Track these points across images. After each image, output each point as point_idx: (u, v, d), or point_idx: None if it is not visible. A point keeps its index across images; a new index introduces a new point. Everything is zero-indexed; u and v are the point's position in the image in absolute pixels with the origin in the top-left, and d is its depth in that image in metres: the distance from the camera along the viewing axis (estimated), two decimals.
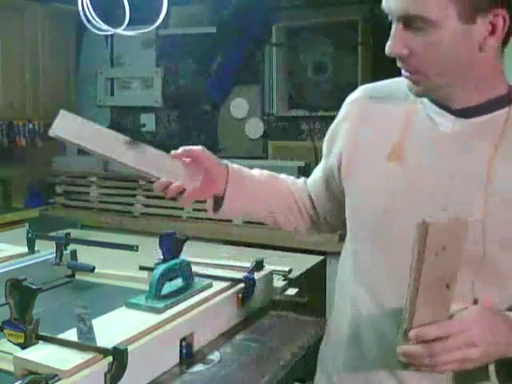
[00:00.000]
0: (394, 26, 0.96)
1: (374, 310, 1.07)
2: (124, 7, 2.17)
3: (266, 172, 1.38)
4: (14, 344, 1.14)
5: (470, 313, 0.90)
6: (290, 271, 1.98)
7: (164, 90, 4.49)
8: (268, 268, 1.69)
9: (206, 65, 4.32)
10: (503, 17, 0.90)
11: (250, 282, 1.52)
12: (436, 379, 0.97)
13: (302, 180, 1.39)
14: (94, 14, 2.16)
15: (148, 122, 4.60)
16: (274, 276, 1.76)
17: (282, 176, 1.40)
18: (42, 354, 1.08)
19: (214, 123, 4.34)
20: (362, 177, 1.10)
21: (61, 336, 1.14)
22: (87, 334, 1.11)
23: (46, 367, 1.03)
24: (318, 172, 1.32)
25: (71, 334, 1.13)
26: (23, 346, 1.12)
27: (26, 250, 1.88)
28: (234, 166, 1.33)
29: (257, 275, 1.58)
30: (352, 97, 1.18)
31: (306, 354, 1.36)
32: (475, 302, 0.95)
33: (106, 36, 4.50)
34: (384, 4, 0.97)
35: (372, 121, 1.11)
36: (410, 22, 0.93)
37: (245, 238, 3.36)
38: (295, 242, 3.13)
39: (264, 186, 1.33)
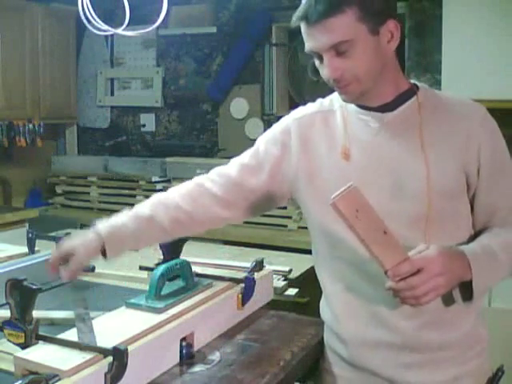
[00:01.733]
0: (324, 58, 1.20)
1: (358, 265, 1.29)
2: (124, 7, 2.17)
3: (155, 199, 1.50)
4: (14, 344, 1.14)
5: (432, 250, 1.15)
6: (290, 271, 1.98)
7: (164, 90, 4.49)
8: (268, 268, 1.69)
9: (206, 65, 4.33)
10: (395, 24, 1.21)
11: (250, 282, 1.52)
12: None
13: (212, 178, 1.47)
14: (93, 14, 2.15)
15: (148, 122, 4.60)
16: (274, 276, 1.76)
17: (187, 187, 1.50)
18: (42, 354, 1.08)
19: (213, 123, 4.34)
20: (322, 179, 1.31)
21: (61, 336, 1.14)
22: (87, 334, 1.11)
23: (46, 367, 1.03)
24: (250, 167, 1.43)
25: (71, 334, 1.13)
26: (23, 346, 1.12)
27: (26, 249, 1.88)
28: (106, 232, 1.39)
29: (257, 275, 1.58)
30: (290, 117, 1.41)
31: (306, 354, 1.36)
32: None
33: (106, 36, 4.50)
34: (310, 46, 1.21)
35: (317, 132, 1.35)
36: (336, 48, 1.18)
37: (245, 238, 3.36)
38: (295, 242, 3.13)
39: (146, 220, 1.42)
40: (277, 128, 1.42)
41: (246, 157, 1.45)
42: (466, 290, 1.22)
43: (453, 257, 1.18)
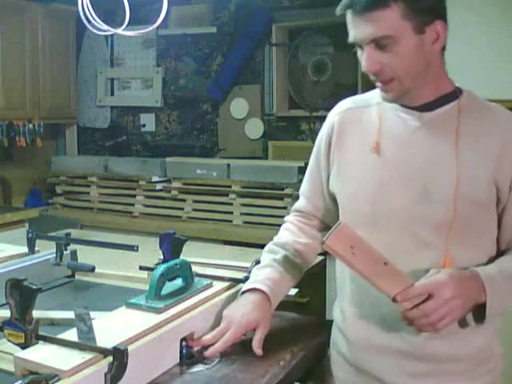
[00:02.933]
0: (364, 50, 1.20)
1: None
2: (124, 7, 2.17)
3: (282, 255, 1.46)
4: (14, 344, 1.14)
5: (442, 274, 1.16)
6: None
7: (164, 90, 4.49)
8: None
9: (206, 65, 4.33)
10: (442, 25, 1.19)
11: None
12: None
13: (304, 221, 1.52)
14: (94, 14, 2.15)
15: (148, 122, 4.60)
16: None
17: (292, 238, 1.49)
18: (42, 354, 1.08)
19: (213, 123, 4.34)
20: (352, 173, 1.32)
21: (61, 336, 1.14)
22: (87, 333, 1.11)
23: (46, 367, 1.03)
24: (312, 189, 1.49)
25: (71, 334, 1.13)
26: (23, 346, 1.12)
27: (25, 249, 1.88)
28: (271, 291, 1.37)
29: None
30: (334, 111, 1.42)
31: (305, 354, 1.36)
32: (447, 256, 1.21)
33: (106, 36, 4.50)
34: (353, 36, 1.21)
35: (354, 126, 1.35)
36: (377, 42, 1.17)
37: (245, 238, 3.36)
38: None
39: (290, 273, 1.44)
40: (324, 124, 1.43)
41: (310, 164, 1.49)
42: (480, 312, 1.21)
43: (465, 279, 1.17)
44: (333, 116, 1.41)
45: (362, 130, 1.33)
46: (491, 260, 1.27)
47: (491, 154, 1.22)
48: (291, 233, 1.49)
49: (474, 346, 1.27)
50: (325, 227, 1.46)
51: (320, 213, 1.47)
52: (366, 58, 1.20)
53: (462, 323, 1.24)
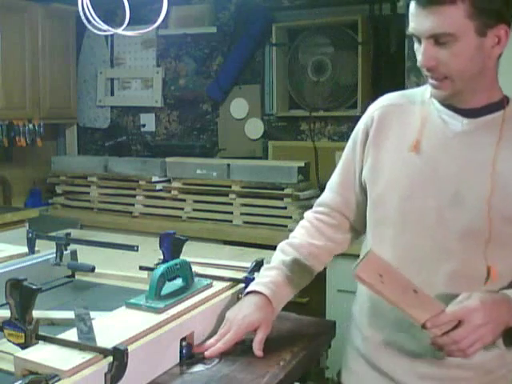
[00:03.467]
0: (422, 44, 1.17)
1: None
2: (124, 7, 2.16)
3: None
4: (14, 344, 1.14)
5: (473, 300, 1.14)
6: None
7: (164, 90, 4.49)
8: None
9: (205, 65, 4.33)
10: (506, 30, 1.15)
11: (249, 282, 1.52)
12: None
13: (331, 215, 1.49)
14: (94, 14, 2.15)
15: (148, 122, 4.60)
16: None
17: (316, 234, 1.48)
18: (42, 354, 1.08)
19: (213, 123, 4.34)
20: (386, 168, 1.30)
21: (61, 336, 1.14)
22: (87, 334, 1.11)
23: (46, 367, 1.03)
24: (343, 182, 1.45)
25: (71, 334, 1.13)
26: (23, 346, 1.12)
27: (25, 249, 1.88)
28: (273, 294, 1.37)
29: (257, 275, 1.58)
30: (376, 105, 1.39)
31: (305, 354, 1.36)
32: (488, 269, 1.20)
33: (106, 36, 4.50)
34: (413, 27, 1.18)
35: (394, 122, 1.32)
36: (437, 38, 1.14)
37: (245, 237, 3.36)
38: None
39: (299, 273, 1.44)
40: (363, 117, 1.41)
41: (343, 157, 1.46)
42: (509, 334, 1.20)
43: (496, 304, 1.16)
44: (373, 110, 1.38)
45: (402, 128, 1.31)
46: None
47: None
48: (307, 233, 1.47)
49: (486, 356, 1.25)
50: (347, 228, 1.46)
51: (347, 208, 1.44)
52: (422, 53, 1.17)
53: (489, 347, 1.21)
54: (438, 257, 1.24)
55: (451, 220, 1.22)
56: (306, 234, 1.46)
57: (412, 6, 1.17)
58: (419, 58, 1.18)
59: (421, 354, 1.28)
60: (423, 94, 1.31)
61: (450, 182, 1.22)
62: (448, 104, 1.25)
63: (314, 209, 1.52)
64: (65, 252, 1.81)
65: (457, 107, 1.24)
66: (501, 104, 1.23)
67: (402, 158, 1.28)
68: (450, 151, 1.24)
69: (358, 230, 1.47)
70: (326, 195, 1.49)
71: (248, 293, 1.37)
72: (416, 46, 1.21)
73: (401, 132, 1.31)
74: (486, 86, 1.22)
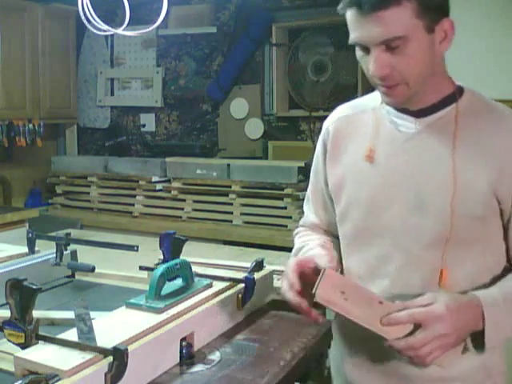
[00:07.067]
0: (372, 53, 1.09)
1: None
2: (124, 7, 2.17)
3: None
4: (14, 344, 1.14)
5: (439, 306, 1.05)
6: None
7: (164, 90, 4.49)
8: (268, 268, 1.69)
9: (205, 65, 4.33)
10: (450, 23, 1.10)
11: (250, 282, 1.52)
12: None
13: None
14: (94, 14, 2.15)
15: (148, 122, 4.60)
16: (274, 276, 1.75)
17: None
18: (42, 354, 1.08)
19: (213, 123, 4.34)
20: (346, 183, 1.26)
21: (61, 336, 1.14)
22: (87, 333, 1.11)
23: (46, 367, 1.03)
24: (314, 201, 1.41)
25: (71, 334, 1.13)
26: (23, 346, 1.12)
27: (26, 249, 1.88)
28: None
29: (257, 275, 1.58)
30: (331, 118, 1.34)
31: (306, 354, 1.36)
32: (441, 273, 1.13)
33: (106, 36, 4.50)
34: (357, 37, 1.10)
35: (347, 134, 1.28)
36: (387, 43, 1.07)
37: (245, 238, 3.36)
38: None
39: None
40: (321, 134, 1.36)
41: (310, 177, 1.42)
42: (480, 338, 1.10)
43: (463, 310, 1.07)
44: (328, 125, 1.34)
45: (356, 138, 1.26)
46: (496, 277, 1.17)
47: (492, 162, 1.11)
48: (306, 234, 1.42)
49: (466, 367, 1.17)
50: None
51: (325, 225, 1.40)
52: (374, 61, 1.09)
53: (458, 348, 1.13)
54: (410, 267, 1.16)
55: (416, 227, 1.15)
56: (305, 236, 1.41)
57: (351, 14, 1.09)
58: (370, 67, 1.10)
59: (392, 372, 1.21)
60: (374, 99, 1.25)
61: (409, 189, 1.16)
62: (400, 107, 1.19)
63: (299, 228, 1.48)
64: (65, 252, 1.81)
65: (408, 109, 1.18)
66: (453, 97, 1.17)
67: (359, 171, 1.23)
68: (406, 155, 1.17)
69: None
70: (305, 217, 1.46)
71: None
72: (360, 54, 1.13)
73: (355, 143, 1.25)
74: (436, 83, 1.16)
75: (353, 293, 1.07)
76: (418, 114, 1.17)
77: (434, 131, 1.16)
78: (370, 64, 1.10)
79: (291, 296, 1.16)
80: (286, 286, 1.17)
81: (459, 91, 1.18)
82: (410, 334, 1.05)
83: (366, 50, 1.11)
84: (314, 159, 1.38)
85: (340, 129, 1.30)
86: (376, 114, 1.24)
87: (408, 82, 1.10)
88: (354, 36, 1.11)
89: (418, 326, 1.05)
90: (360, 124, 1.27)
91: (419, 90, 1.13)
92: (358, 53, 1.14)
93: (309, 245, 1.35)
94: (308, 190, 1.44)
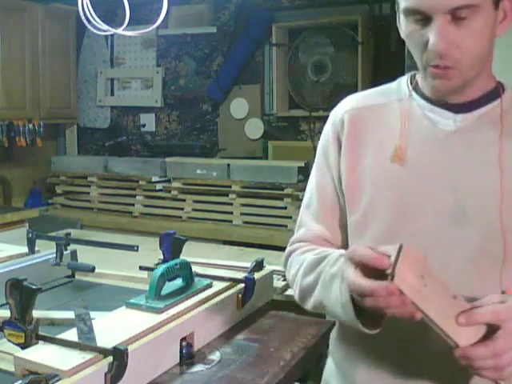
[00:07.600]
0: (436, 23, 0.92)
1: None
2: (124, 7, 2.17)
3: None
4: (14, 344, 1.14)
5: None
6: None
7: (164, 90, 4.49)
8: (268, 268, 1.69)
9: (205, 65, 4.33)
10: (510, 5, 0.96)
11: (250, 282, 1.52)
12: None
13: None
14: (94, 14, 2.15)
15: (148, 122, 4.60)
16: (274, 276, 1.76)
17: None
18: (42, 354, 1.08)
19: (213, 123, 4.34)
20: (366, 188, 1.06)
21: (61, 336, 1.14)
22: (87, 333, 1.11)
23: (46, 367, 1.03)
24: (323, 208, 1.17)
25: (71, 334, 1.13)
26: (23, 346, 1.12)
27: (26, 249, 1.88)
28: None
29: (257, 275, 1.58)
30: (342, 108, 1.14)
31: (306, 354, 1.36)
32: (502, 293, 0.94)
33: (106, 36, 4.50)
34: (419, 2, 0.92)
35: (368, 128, 1.09)
36: (455, 13, 0.91)
37: (245, 238, 3.37)
38: None
39: None
40: (327, 127, 1.16)
41: (312, 180, 1.19)
42: None
43: None
44: (341, 113, 1.12)
45: (379, 133, 1.07)
46: None
47: None
48: (301, 250, 1.17)
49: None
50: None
51: (333, 238, 1.15)
52: (437, 33, 0.92)
53: None
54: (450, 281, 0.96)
55: (455, 242, 0.98)
56: (313, 250, 1.14)
57: None
58: (431, 39, 0.92)
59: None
60: (398, 89, 1.09)
61: (448, 195, 0.99)
62: (435, 99, 1.03)
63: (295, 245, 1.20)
64: (65, 252, 1.81)
65: (448, 102, 1.02)
66: (497, 92, 1.03)
67: (383, 172, 1.04)
68: (443, 156, 1.01)
69: None
70: (304, 232, 1.18)
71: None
72: (410, 28, 0.96)
73: (378, 140, 1.07)
74: (484, 74, 1.01)
75: (432, 279, 0.83)
76: (459, 108, 1.02)
77: (478, 129, 1.01)
78: (431, 36, 0.92)
79: (367, 282, 0.86)
80: (356, 274, 0.88)
81: (501, 87, 1.05)
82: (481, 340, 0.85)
83: (423, 21, 0.94)
84: (320, 154, 1.17)
85: (357, 120, 1.10)
86: (404, 107, 1.06)
87: (461, 67, 0.95)
88: (412, 1, 0.93)
89: (490, 331, 0.85)
90: (384, 117, 1.08)
91: (468, 79, 0.97)
92: (409, 26, 0.96)
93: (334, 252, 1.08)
94: (306, 195, 1.20)
